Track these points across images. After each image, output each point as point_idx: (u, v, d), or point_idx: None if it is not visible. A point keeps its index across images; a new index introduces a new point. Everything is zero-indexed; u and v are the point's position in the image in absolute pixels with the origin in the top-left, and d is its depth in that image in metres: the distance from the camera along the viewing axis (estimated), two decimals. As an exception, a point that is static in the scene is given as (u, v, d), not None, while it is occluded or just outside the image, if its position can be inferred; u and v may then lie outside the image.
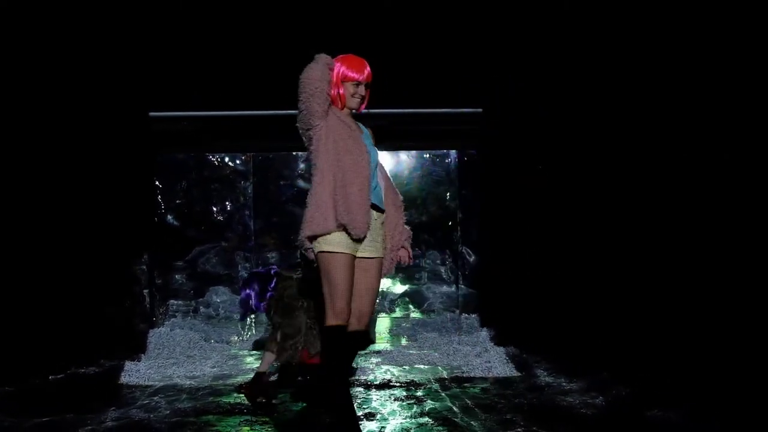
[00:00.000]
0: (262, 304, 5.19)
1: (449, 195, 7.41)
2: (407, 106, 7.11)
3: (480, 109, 7.12)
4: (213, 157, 7.34)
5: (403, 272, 7.32)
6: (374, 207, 3.73)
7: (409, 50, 6.88)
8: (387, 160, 7.34)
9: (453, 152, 7.40)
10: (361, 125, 3.94)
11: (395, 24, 6.80)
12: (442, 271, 7.41)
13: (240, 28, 6.74)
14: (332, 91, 3.79)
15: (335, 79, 3.80)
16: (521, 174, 6.87)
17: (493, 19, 6.75)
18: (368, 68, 3.89)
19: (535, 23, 6.65)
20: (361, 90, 3.85)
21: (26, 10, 6.29)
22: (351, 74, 3.82)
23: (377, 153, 3.89)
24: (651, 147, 5.73)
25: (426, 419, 4.35)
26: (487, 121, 7.11)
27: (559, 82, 6.58)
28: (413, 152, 7.39)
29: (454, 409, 4.59)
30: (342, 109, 3.85)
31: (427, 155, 7.44)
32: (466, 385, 5.32)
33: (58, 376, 5.77)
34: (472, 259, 7.36)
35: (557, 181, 6.60)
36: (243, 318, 6.49)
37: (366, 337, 3.73)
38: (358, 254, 3.68)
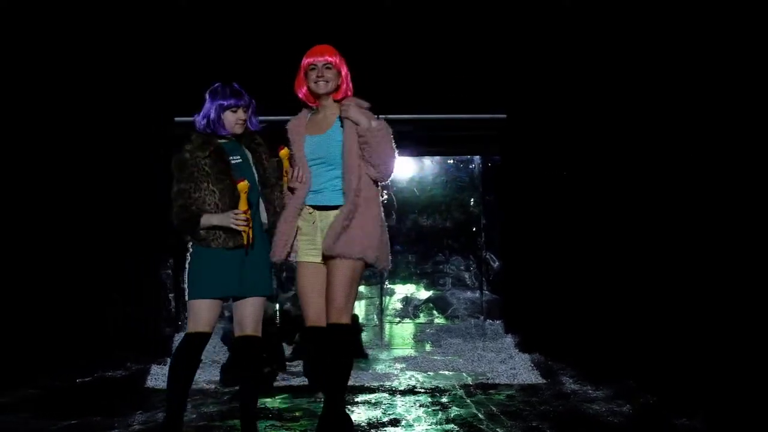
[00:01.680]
0: None
1: (473, 200, 7.41)
2: (431, 112, 7.11)
3: (504, 115, 7.11)
4: (235, 163, 7.35)
5: (427, 278, 7.32)
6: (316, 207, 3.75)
7: (433, 56, 6.89)
8: (411, 165, 7.36)
9: (477, 158, 7.40)
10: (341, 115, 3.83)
11: (418, 30, 6.81)
12: (466, 276, 7.40)
13: (265, 35, 6.78)
14: (299, 93, 3.94)
15: (299, 77, 3.93)
16: (545, 180, 6.85)
17: (518, 24, 6.74)
18: (328, 49, 3.90)
19: (560, 29, 6.63)
20: (320, 72, 3.81)
21: (54, 15, 6.37)
22: (306, 60, 3.88)
23: (322, 140, 3.81)
24: (679, 155, 5.70)
25: (451, 426, 4.33)
26: (511, 126, 7.09)
27: (584, 87, 6.55)
28: (437, 158, 7.40)
29: (480, 415, 4.58)
30: (316, 102, 3.90)
31: (451, 161, 7.44)
32: (491, 391, 5.30)
33: (86, 379, 5.82)
34: (496, 264, 7.34)
35: (582, 187, 6.57)
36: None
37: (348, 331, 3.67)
38: (311, 260, 3.73)
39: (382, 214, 3.81)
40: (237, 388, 5.23)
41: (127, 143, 6.76)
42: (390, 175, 3.79)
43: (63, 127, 6.52)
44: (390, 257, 3.89)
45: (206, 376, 5.93)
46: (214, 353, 6.68)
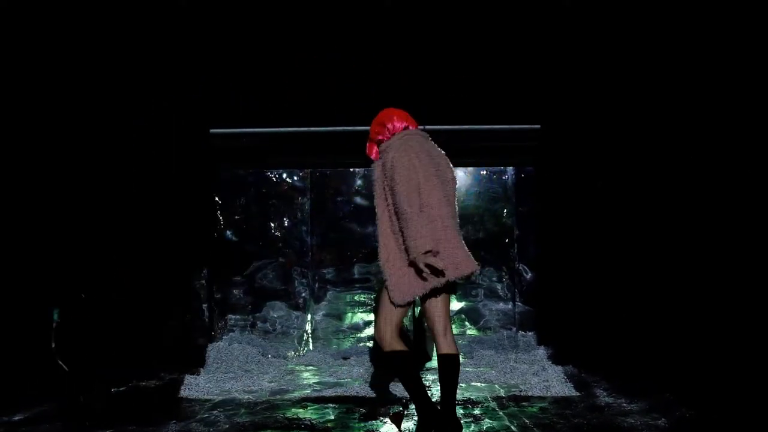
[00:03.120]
0: None
1: (506, 212, 7.37)
2: (465, 123, 7.11)
3: (538, 126, 7.09)
4: (271, 173, 7.43)
5: (459, 289, 7.29)
6: None
7: (467, 67, 6.90)
8: (443, 176, 7.34)
9: (510, 169, 7.37)
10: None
11: (453, 42, 6.83)
12: (499, 288, 7.36)
13: (299, 47, 6.84)
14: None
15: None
16: (579, 191, 6.81)
17: (552, 35, 6.73)
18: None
19: (594, 40, 6.59)
20: None
21: (92, 28, 6.49)
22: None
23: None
24: (718, 166, 5.62)
25: (484, 438, 4.31)
26: (545, 137, 7.07)
27: (619, 98, 6.50)
28: (470, 169, 7.37)
29: (512, 428, 4.54)
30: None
31: (484, 172, 7.42)
32: (524, 404, 5.26)
33: (120, 389, 5.88)
34: (529, 276, 7.30)
35: (616, 198, 6.51)
36: None
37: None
38: None
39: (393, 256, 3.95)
40: (268, 398, 5.28)
41: (162, 154, 6.85)
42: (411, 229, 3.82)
43: (99, 139, 6.63)
44: (402, 293, 3.90)
45: (239, 385, 5.96)
46: (246, 363, 6.72)
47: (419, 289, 3.86)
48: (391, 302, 3.89)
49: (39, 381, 5.82)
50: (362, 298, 7.34)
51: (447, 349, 4.02)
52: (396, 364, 3.95)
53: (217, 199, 7.26)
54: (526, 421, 4.72)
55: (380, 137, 4.21)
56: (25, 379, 5.92)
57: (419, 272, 3.80)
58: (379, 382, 6.00)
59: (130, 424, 4.70)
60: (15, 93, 6.26)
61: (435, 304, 4.01)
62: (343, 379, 6.21)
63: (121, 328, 6.50)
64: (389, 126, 4.21)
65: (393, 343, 3.91)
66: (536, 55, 6.85)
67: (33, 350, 6.04)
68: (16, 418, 4.92)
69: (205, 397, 5.61)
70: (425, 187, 3.90)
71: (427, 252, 3.72)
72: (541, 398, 5.45)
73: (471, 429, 4.52)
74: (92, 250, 6.51)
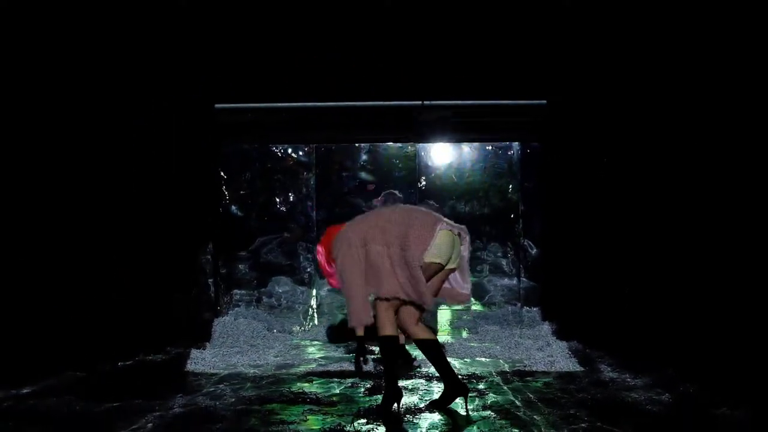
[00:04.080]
0: None
1: (511, 187, 7.36)
2: (470, 98, 7.09)
3: (544, 101, 7.06)
4: (276, 148, 7.42)
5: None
6: None
7: (472, 42, 6.86)
8: (450, 151, 7.35)
9: (516, 144, 7.35)
10: None
11: (458, 15, 6.78)
12: (504, 263, 7.36)
13: (304, 21, 6.80)
14: None
15: None
16: (585, 166, 6.79)
17: (556, 8, 6.67)
18: None
19: (599, 13, 6.54)
20: None
21: (131, 9, 6.48)
22: None
23: None
24: (723, 140, 5.60)
25: (488, 412, 4.33)
26: (550, 113, 7.04)
27: (625, 73, 6.46)
28: (476, 144, 7.35)
29: (517, 402, 4.56)
30: None
31: (490, 147, 7.40)
32: (528, 379, 5.28)
33: (127, 363, 5.92)
34: (534, 252, 7.30)
35: (621, 174, 6.49)
36: None
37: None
38: None
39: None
40: (274, 372, 5.31)
41: (167, 130, 6.84)
42: None
43: (103, 114, 6.61)
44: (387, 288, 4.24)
45: (245, 360, 6.00)
46: (252, 338, 6.75)
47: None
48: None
49: (45, 355, 5.86)
50: (367, 274, 7.34)
51: (423, 334, 4.39)
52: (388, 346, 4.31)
53: (222, 174, 7.26)
54: (531, 395, 4.74)
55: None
56: (32, 353, 5.97)
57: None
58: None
59: (136, 398, 4.72)
60: (15, 91, 6.25)
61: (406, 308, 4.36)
62: (348, 354, 6.24)
63: (128, 302, 6.53)
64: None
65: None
66: (542, 31, 6.80)
67: (38, 325, 6.08)
68: (24, 391, 4.96)
69: (212, 371, 5.65)
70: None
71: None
72: (546, 373, 5.47)
73: (476, 403, 4.54)
74: (96, 226, 6.52)
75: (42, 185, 6.27)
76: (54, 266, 6.27)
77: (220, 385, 5.13)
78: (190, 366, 5.81)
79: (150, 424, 4.16)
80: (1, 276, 6.03)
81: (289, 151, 7.42)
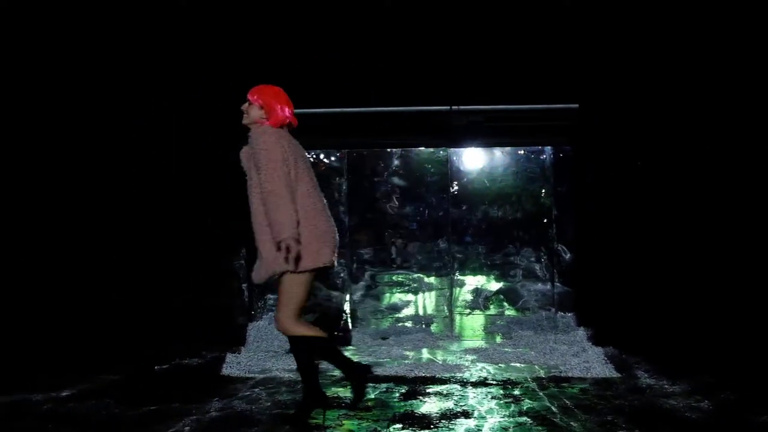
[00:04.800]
0: None
1: (544, 192, 7.32)
2: (502, 103, 7.07)
3: (576, 105, 7.02)
4: (308, 153, 7.42)
5: (497, 269, 7.27)
6: None
7: (503, 46, 6.84)
8: (481, 156, 7.32)
9: (548, 148, 7.31)
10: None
11: (489, 19, 6.77)
12: (537, 268, 7.32)
13: (336, 26, 6.83)
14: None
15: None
16: (619, 170, 6.74)
17: (589, 11, 6.64)
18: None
19: (632, 15, 6.49)
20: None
21: (131, 9, 6.54)
22: None
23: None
24: (761, 143, 5.53)
25: (524, 419, 4.31)
26: (583, 116, 6.99)
27: (659, 75, 6.41)
28: (507, 149, 7.33)
29: (553, 409, 4.54)
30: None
31: (522, 151, 7.36)
32: (564, 384, 5.25)
33: (164, 366, 5.97)
34: (567, 256, 7.25)
35: (657, 178, 6.44)
36: None
37: None
38: None
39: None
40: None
41: (201, 135, 6.90)
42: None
43: (136, 119, 6.69)
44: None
45: (281, 364, 6.02)
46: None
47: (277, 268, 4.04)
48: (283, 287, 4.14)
49: (85, 359, 5.94)
50: (400, 279, 7.36)
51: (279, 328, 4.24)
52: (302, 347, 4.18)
53: (255, 179, 7.29)
54: (567, 402, 4.71)
55: (263, 119, 4.27)
56: (69, 357, 6.05)
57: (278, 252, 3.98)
58: (418, 362, 6.03)
59: (173, 401, 4.77)
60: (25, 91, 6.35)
61: (281, 287, 4.18)
62: (382, 358, 6.24)
63: (164, 307, 6.60)
64: (279, 112, 4.28)
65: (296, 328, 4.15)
66: (572, 34, 6.77)
67: (75, 330, 6.16)
68: (64, 394, 5.03)
69: (247, 375, 5.68)
70: (293, 174, 4.11)
71: (286, 238, 3.89)
72: (582, 379, 5.43)
73: (511, 409, 4.52)
74: (131, 231, 6.60)
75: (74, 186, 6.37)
76: (91, 272, 6.35)
77: (256, 389, 5.16)
78: (226, 370, 5.85)
79: (187, 428, 4.20)
80: (43, 280, 6.12)
81: (321, 156, 7.44)
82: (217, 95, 6.73)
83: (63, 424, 4.30)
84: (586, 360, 5.95)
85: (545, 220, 7.30)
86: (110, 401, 4.81)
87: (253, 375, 5.67)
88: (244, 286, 7.10)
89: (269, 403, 4.74)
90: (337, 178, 7.41)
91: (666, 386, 5.07)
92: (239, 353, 6.41)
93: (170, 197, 6.81)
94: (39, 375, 5.57)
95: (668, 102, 6.33)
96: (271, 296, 7.33)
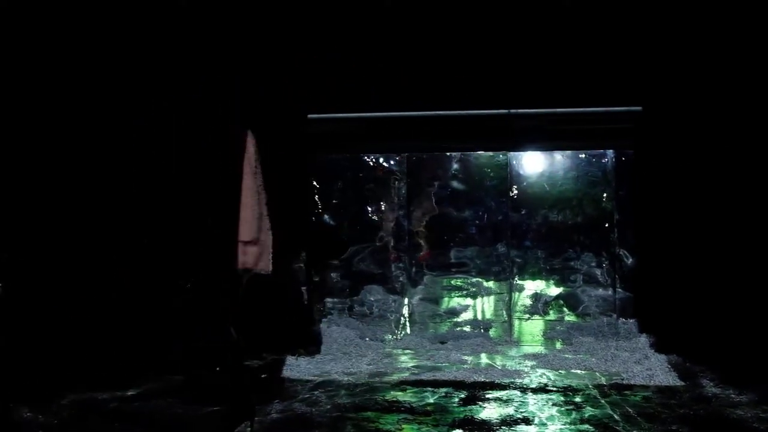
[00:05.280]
0: None
1: (605, 196, 7.22)
2: (561, 106, 6.99)
3: (639, 107, 6.90)
4: (368, 157, 7.49)
5: (557, 274, 7.20)
6: None
7: (563, 47, 6.76)
8: (541, 160, 7.26)
9: (610, 152, 7.20)
10: None
11: (547, 21, 6.70)
12: (598, 273, 7.22)
13: (394, 33, 6.84)
14: None
15: None
16: (683, 174, 6.59)
17: (653, 10, 6.52)
18: None
19: (698, 14, 6.35)
20: None
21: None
22: None
23: None
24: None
25: (586, 426, 4.26)
26: (646, 119, 6.87)
27: (725, 77, 6.26)
28: (568, 152, 7.25)
29: (615, 417, 4.47)
30: None
31: (583, 155, 7.27)
32: (626, 392, 5.16)
33: (225, 367, 6.07)
34: (629, 261, 7.13)
35: (723, 181, 6.28)
36: None
37: None
38: None
39: None
40: (367, 380, 5.35)
41: (261, 140, 6.97)
42: None
43: (202, 127, 6.80)
44: None
45: (339, 367, 6.06)
46: (345, 346, 6.82)
47: None
48: None
49: (149, 359, 6.06)
50: (459, 283, 7.33)
51: None
52: None
53: (314, 183, 7.37)
54: (630, 410, 4.64)
55: None
56: (134, 357, 6.18)
57: None
58: (477, 367, 6.01)
59: (235, 402, 4.84)
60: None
61: None
62: (441, 363, 6.23)
63: (225, 310, 6.68)
64: None
65: None
66: (636, 33, 6.65)
67: (139, 330, 6.29)
68: (129, 393, 5.16)
69: (306, 377, 5.74)
70: None
71: None
72: (644, 387, 5.34)
73: (572, 417, 4.47)
74: (193, 237, 6.71)
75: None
76: (156, 275, 6.48)
77: (315, 392, 5.21)
78: (286, 372, 5.93)
79: (249, 429, 4.26)
80: (108, 283, 6.27)
81: (381, 160, 7.47)
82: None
83: (128, 423, 4.41)
84: (649, 368, 5.84)
85: (606, 225, 7.20)
86: (174, 401, 4.91)
87: (312, 378, 5.72)
88: (303, 289, 7.16)
89: (329, 406, 4.78)
90: (396, 182, 7.43)
91: (732, 395, 4.95)
92: (299, 356, 6.47)
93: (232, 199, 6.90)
94: (104, 373, 5.69)
95: (735, 105, 6.17)
96: (329, 300, 7.39)
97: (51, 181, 6.58)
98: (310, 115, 7.18)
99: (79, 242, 6.62)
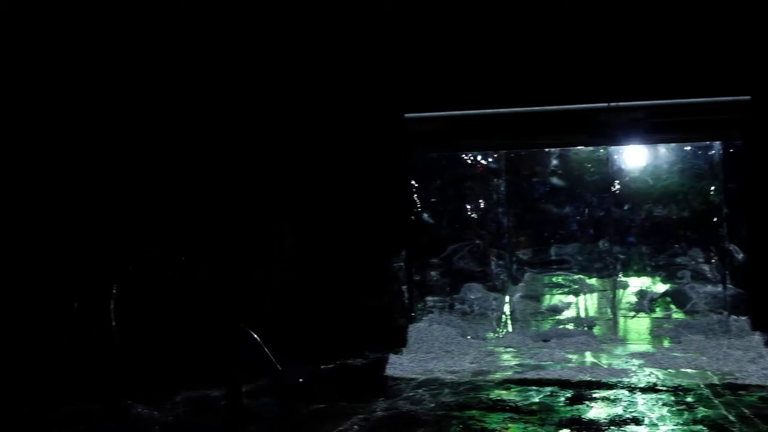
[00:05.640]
0: None
1: (713, 189, 6.98)
2: (666, 97, 6.80)
3: (748, 97, 6.63)
4: (465, 155, 7.47)
5: (663, 270, 7.01)
6: None
7: (666, 36, 6.58)
8: (644, 153, 7.10)
9: (717, 144, 6.96)
10: None
11: (650, 8, 6.53)
12: (707, 269, 6.99)
13: (487, 29, 6.82)
14: None
15: None
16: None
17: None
18: None
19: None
20: None
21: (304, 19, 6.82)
22: None
23: None
24: None
25: (699, 427, 4.14)
26: (756, 109, 6.60)
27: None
28: (672, 145, 7.04)
29: (730, 417, 4.32)
30: None
31: (688, 147, 7.06)
32: (740, 392, 4.98)
33: (329, 366, 6.18)
34: (740, 256, 6.87)
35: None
36: None
37: None
38: None
39: None
40: (470, 378, 5.34)
41: (359, 140, 7.07)
42: None
43: (293, 126, 6.96)
44: None
45: (442, 366, 6.08)
46: (447, 344, 6.83)
47: None
48: None
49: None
50: (560, 280, 7.23)
51: None
52: None
53: (413, 182, 7.40)
54: (745, 411, 4.47)
55: None
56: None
57: None
58: (582, 366, 5.92)
59: (341, 400, 4.93)
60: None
61: None
62: (544, 361, 6.16)
63: (329, 309, 6.81)
64: None
65: None
66: (744, 21, 6.39)
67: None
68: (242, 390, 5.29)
69: (409, 375, 5.78)
70: None
71: None
72: (761, 387, 5.14)
73: (684, 417, 4.35)
74: (304, 235, 6.86)
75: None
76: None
77: (419, 390, 5.24)
78: (389, 370, 5.98)
79: (356, 427, 4.33)
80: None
81: (479, 158, 7.44)
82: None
83: (240, 419, 4.54)
84: (765, 367, 5.62)
85: (715, 219, 6.96)
86: (281, 398, 5.00)
87: (415, 376, 5.75)
88: (403, 287, 7.21)
89: (433, 405, 4.80)
90: (495, 180, 7.39)
91: None
92: (401, 354, 6.52)
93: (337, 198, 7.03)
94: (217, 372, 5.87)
95: None
96: (430, 298, 7.42)
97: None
98: (406, 114, 7.22)
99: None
